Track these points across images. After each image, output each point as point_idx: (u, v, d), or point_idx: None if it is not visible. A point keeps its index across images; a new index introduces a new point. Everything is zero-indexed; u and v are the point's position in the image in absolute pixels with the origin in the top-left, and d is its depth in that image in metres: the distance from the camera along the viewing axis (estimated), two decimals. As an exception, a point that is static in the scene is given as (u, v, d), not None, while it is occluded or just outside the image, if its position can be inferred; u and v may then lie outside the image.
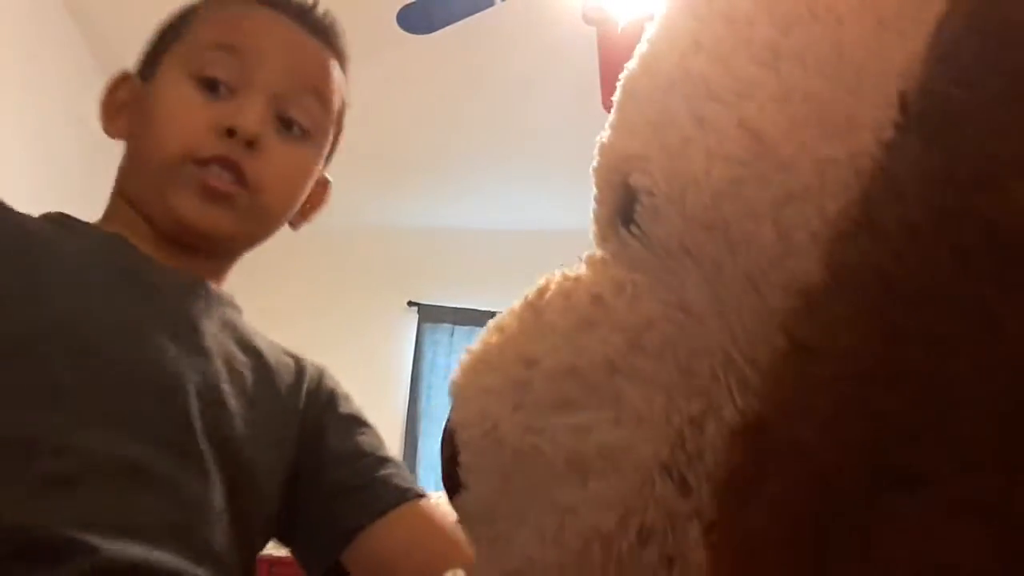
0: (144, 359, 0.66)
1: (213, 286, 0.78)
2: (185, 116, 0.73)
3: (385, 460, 0.79)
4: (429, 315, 4.30)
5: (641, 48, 0.41)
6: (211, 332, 0.72)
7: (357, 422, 0.82)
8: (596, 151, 0.42)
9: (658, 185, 0.36)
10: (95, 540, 0.56)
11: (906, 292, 0.24)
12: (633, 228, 0.38)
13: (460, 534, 0.75)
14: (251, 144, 0.72)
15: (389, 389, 4.21)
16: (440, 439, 0.44)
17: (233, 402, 0.70)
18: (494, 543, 0.40)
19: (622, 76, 0.41)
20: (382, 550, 0.74)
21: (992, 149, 0.23)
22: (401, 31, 2.42)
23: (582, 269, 0.41)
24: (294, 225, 0.86)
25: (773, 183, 0.32)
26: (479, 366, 0.41)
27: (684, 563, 0.34)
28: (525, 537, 0.38)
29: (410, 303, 4.32)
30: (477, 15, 2.35)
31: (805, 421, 0.25)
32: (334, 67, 0.81)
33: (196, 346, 0.70)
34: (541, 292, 0.41)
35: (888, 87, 0.30)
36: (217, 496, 0.66)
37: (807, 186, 0.31)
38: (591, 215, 0.43)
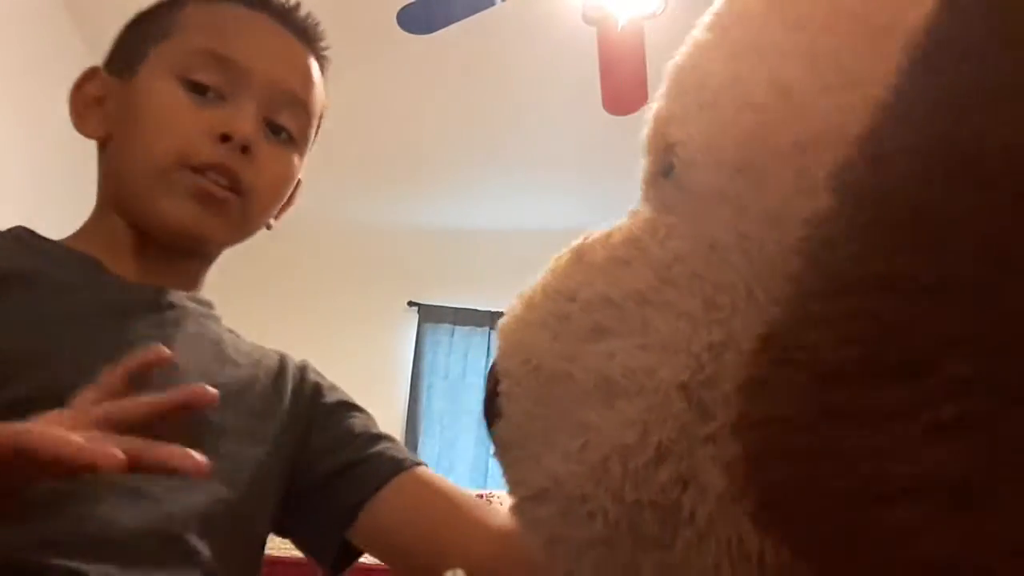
0: None
1: (188, 301, 0.77)
2: (177, 119, 0.72)
3: (378, 436, 0.79)
4: (429, 315, 4.30)
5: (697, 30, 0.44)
6: (186, 355, 0.71)
7: (345, 407, 0.82)
8: (648, 118, 0.46)
9: (693, 137, 0.39)
10: (78, 564, 0.57)
11: (903, 207, 0.26)
12: (671, 177, 0.41)
13: (460, 496, 0.77)
14: (246, 150, 0.72)
15: (389, 389, 4.21)
16: (485, 378, 0.47)
17: (215, 418, 0.69)
18: (523, 464, 0.43)
19: (679, 53, 0.44)
20: (386, 521, 0.75)
21: (982, 78, 0.26)
22: (401, 31, 2.42)
23: (622, 220, 0.44)
24: (269, 225, 0.85)
25: (796, 128, 0.35)
26: (525, 305, 0.45)
27: (697, 485, 0.36)
28: (552, 456, 0.41)
29: (410, 303, 4.32)
30: (477, 15, 2.35)
31: (814, 327, 0.28)
32: (315, 70, 0.83)
33: (171, 376, 0.68)
34: (584, 240, 0.45)
35: (896, 42, 0.32)
36: (209, 507, 0.66)
37: (827, 130, 0.34)
38: (640, 179, 0.46)
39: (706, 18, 0.44)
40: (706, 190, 0.39)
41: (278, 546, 2.23)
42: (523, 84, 3.07)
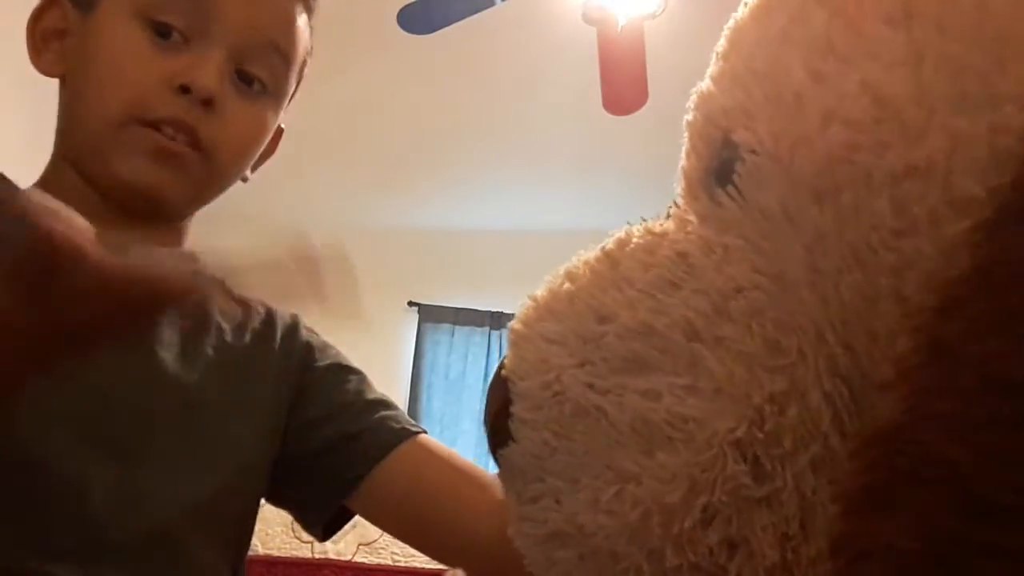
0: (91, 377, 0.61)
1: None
2: (133, 66, 0.64)
3: (373, 403, 0.75)
4: (429, 315, 4.30)
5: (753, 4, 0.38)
6: (163, 323, 0.66)
7: (339, 370, 0.77)
8: (692, 102, 0.39)
9: (763, 143, 0.33)
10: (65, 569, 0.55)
11: None
12: (730, 188, 0.35)
13: (464, 465, 0.73)
14: (208, 104, 0.64)
15: (389, 389, 4.18)
16: (489, 386, 0.42)
17: (198, 393, 0.66)
18: (539, 501, 0.39)
19: (728, 26, 0.38)
20: (387, 492, 0.72)
21: None
22: (401, 31, 2.42)
23: (667, 224, 0.39)
24: (244, 177, 0.78)
25: (894, 152, 0.29)
26: (544, 314, 0.39)
27: (747, 550, 0.33)
28: (576, 501, 0.36)
29: (410, 303, 4.32)
30: (477, 15, 2.35)
31: (947, 431, 0.22)
32: (299, 15, 0.73)
33: (151, 348, 0.65)
34: (622, 243, 0.38)
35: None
36: (198, 496, 0.63)
37: (932, 160, 0.28)
38: (679, 170, 0.40)
39: None
40: (776, 211, 0.33)
41: (278, 546, 2.24)
42: (523, 84, 3.07)
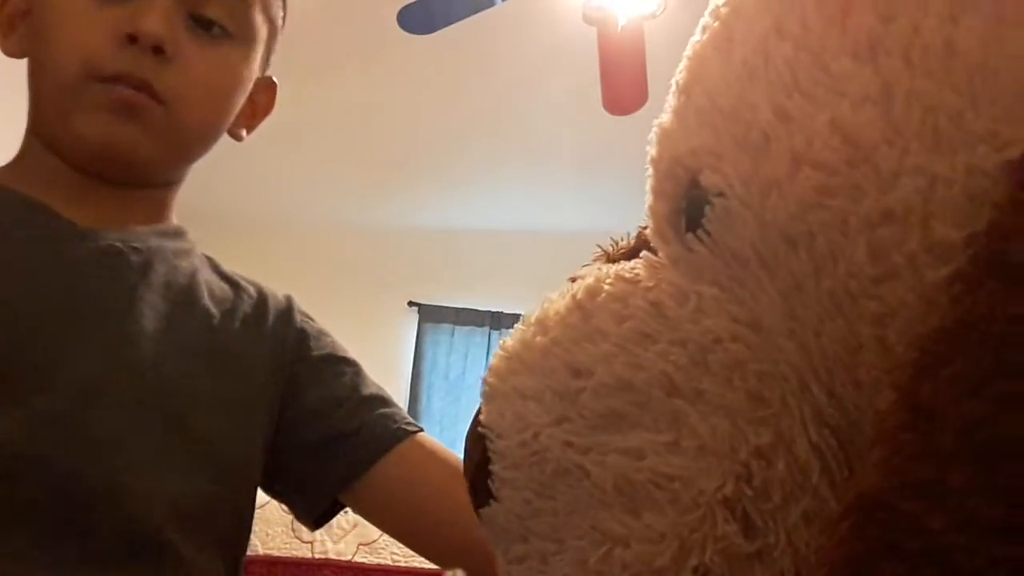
0: (69, 360, 0.59)
1: (154, 238, 0.68)
2: (78, 25, 0.62)
3: (370, 399, 0.72)
4: (429, 315, 4.30)
5: (710, 24, 0.36)
6: (151, 310, 0.64)
7: (333, 361, 0.74)
8: (654, 137, 0.38)
9: (733, 187, 0.32)
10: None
11: None
12: (700, 232, 0.34)
13: (459, 461, 0.73)
14: (159, 51, 0.61)
15: (389, 389, 4.18)
16: (466, 439, 0.41)
17: (186, 384, 0.63)
18: (525, 562, 0.37)
19: (687, 54, 0.37)
20: (383, 492, 0.70)
21: None
22: (401, 31, 2.42)
23: (637, 269, 0.37)
24: (235, 134, 0.74)
25: (869, 196, 0.28)
26: (517, 366, 0.38)
27: None
28: (563, 562, 0.35)
29: (410, 303, 4.32)
30: (477, 15, 2.35)
31: (926, 499, 0.21)
32: None
33: (134, 335, 0.62)
34: (591, 292, 0.37)
35: (1010, 95, 0.26)
36: (186, 496, 0.61)
37: (908, 204, 0.27)
38: (647, 208, 0.39)
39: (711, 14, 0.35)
40: (750, 256, 0.32)
41: (278, 546, 2.24)
42: (523, 84, 3.07)
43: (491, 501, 0.38)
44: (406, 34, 2.42)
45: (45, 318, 0.60)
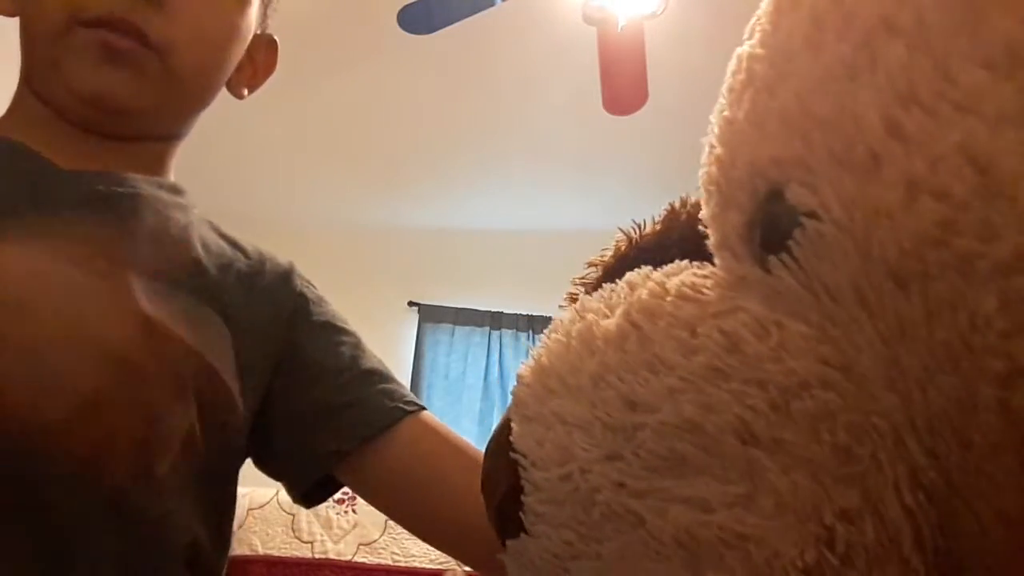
0: (63, 317, 0.55)
1: (147, 186, 0.65)
2: None
3: (368, 373, 0.70)
4: (429, 315, 4.30)
5: (785, 8, 0.31)
6: (139, 254, 0.61)
7: (332, 330, 0.71)
8: (721, 135, 0.33)
9: (830, 209, 0.27)
10: None
11: None
12: (785, 257, 0.29)
13: (464, 448, 0.67)
14: None
15: (389, 389, 4.20)
16: (491, 458, 0.37)
17: (165, 333, 0.59)
18: None
19: (764, 43, 0.31)
20: (377, 473, 0.67)
21: None
22: (401, 31, 2.42)
23: (702, 286, 0.32)
24: (236, 92, 0.72)
25: (1004, 237, 0.23)
26: (557, 387, 0.34)
27: None
28: None
29: (410, 303, 4.32)
30: (477, 15, 2.35)
31: None
32: None
33: (122, 280, 0.59)
34: (650, 313, 0.32)
35: None
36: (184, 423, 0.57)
37: None
38: (708, 216, 0.34)
39: None
40: (847, 292, 0.27)
41: (278, 546, 2.24)
42: (523, 84, 3.07)
43: (522, 534, 0.35)
44: (406, 34, 2.42)
45: (30, 256, 0.56)
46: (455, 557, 0.69)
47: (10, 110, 0.67)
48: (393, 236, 4.37)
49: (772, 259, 0.30)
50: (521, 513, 0.34)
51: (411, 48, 2.63)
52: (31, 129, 0.63)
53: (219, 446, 0.61)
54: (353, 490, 0.70)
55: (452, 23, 2.36)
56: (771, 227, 0.30)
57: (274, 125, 3.13)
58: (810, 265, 0.29)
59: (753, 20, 0.33)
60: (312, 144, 3.52)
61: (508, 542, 0.36)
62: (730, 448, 0.29)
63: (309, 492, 0.70)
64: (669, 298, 0.33)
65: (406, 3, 2.32)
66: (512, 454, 0.35)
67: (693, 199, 0.42)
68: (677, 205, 0.44)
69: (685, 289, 0.33)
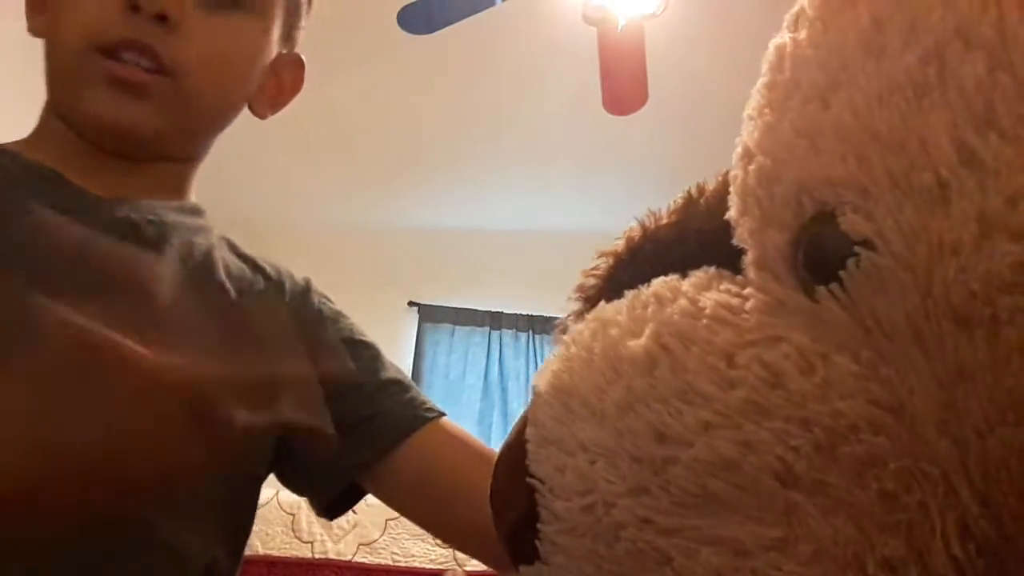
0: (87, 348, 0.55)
1: (170, 213, 0.66)
2: None
3: (387, 383, 0.71)
4: (429, 315, 4.30)
5: (844, 2, 0.27)
6: (165, 286, 0.62)
7: (351, 344, 0.72)
8: (763, 143, 0.30)
9: (888, 241, 0.25)
10: None
11: None
12: (835, 287, 0.27)
13: (478, 446, 0.68)
14: (163, 19, 0.60)
15: (389, 389, 4.20)
16: (504, 477, 0.35)
17: (192, 372, 0.59)
18: None
19: (816, 43, 0.28)
20: (399, 481, 0.68)
21: None
22: (401, 31, 2.42)
23: (741, 309, 0.30)
24: (259, 113, 0.73)
25: None
26: (579, 410, 0.32)
27: None
28: None
29: (410, 303, 4.32)
30: (477, 15, 2.35)
31: None
32: None
33: (147, 308, 0.60)
34: (682, 336, 0.30)
35: None
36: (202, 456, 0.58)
37: None
38: (745, 230, 0.31)
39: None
40: (902, 330, 0.25)
41: (278, 546, 2.24)
42: (523, 84, 3.07)
43: (537, 562, 0.33)
44: (406, 34, 2.42)
45: (59, 285, 0.57)
46: (478, 559, 0.70)
47: (36, 131, 0.67)
48: (393, 236, 4.37)
49: (821, 289, 0.28)
50: (537, 541, 0.33)
51: (411, 48, 2.63)
52: (60, 153, 0.64)
53: (243, 471, 0.63)
54: (376, 497, 0.71)
55: (452, 23, 2.36)
56: (817, 250, 0.28)
57: (274, 125, 3.12)
58: (862, 298, 0.26)
59: (796, 8, 0.30)
60: (312, 144, 3.52)
61: (523, 568, 0.35)
62: (768, 489, 0.27)
63: (332, 504, 0.71)
64: (704, 320, 0.30)
65: (406, 3, 2.32)
66: (529, 478, 0.33)
67: (710, 187, 0.40)
68: (694, 193, 0.41)
69: (721, 311, 0.30)
